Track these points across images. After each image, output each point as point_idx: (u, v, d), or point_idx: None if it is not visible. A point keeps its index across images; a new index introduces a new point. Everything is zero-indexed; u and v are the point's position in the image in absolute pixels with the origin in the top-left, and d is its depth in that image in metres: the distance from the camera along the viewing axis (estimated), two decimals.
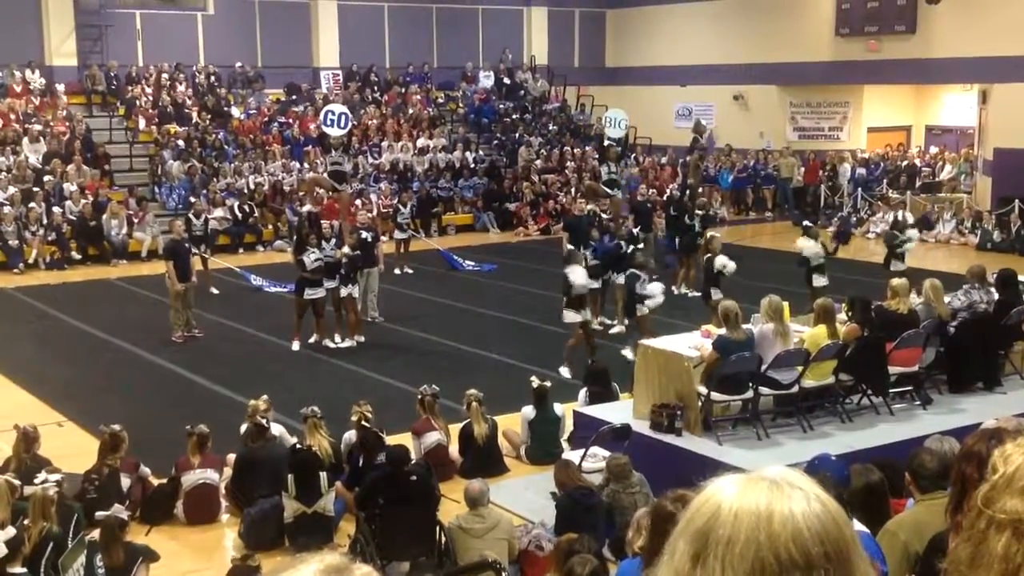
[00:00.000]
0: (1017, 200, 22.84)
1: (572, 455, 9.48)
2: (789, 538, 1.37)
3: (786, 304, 10.10)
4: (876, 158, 27.59)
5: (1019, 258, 20.78)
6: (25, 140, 23.73)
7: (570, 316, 13.29)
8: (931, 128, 29.43)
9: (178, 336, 15.28)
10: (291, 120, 27.20)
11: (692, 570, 1.40)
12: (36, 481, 8.45)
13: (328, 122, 17.42)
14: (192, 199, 22.30)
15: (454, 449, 10.34)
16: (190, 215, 18.61)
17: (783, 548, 1.36)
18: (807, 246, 15.31)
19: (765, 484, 1.42)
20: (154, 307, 16.97)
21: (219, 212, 22.60)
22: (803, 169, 28.00)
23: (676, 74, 31.21)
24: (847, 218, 24.76)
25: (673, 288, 16.84)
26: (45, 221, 21.57)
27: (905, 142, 28.99)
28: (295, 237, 16.47)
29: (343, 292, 14.85)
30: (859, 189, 26.42)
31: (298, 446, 9.24)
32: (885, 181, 26.62)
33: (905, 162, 27.22)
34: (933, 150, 28.13)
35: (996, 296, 11.24)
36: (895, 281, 10.90)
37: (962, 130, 28.26)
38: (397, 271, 19.70)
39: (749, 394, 9.64)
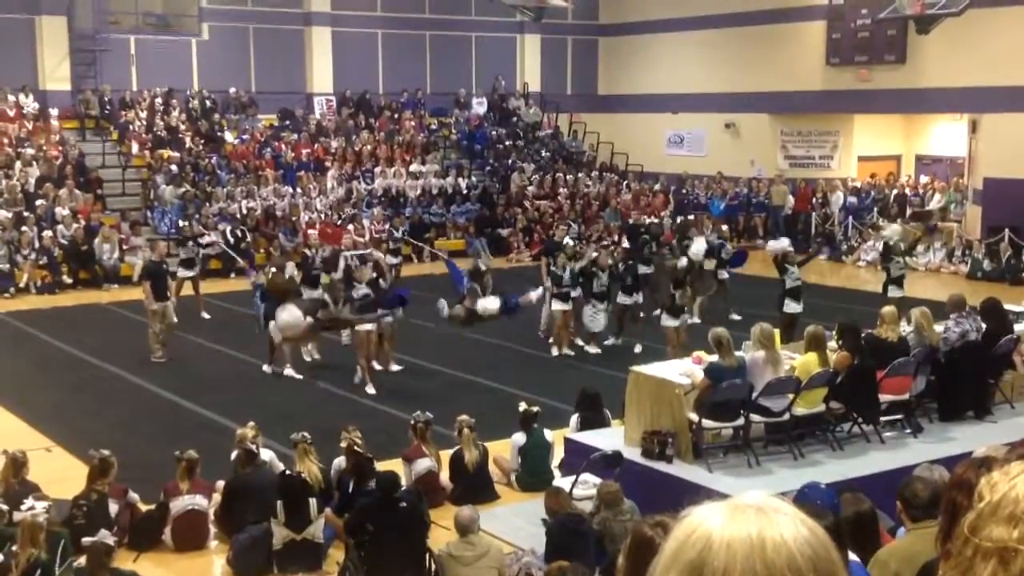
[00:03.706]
0: (1007, 229, 22.95)
1: (563, 482, 9.45)
2: (784, 565, 1.36)
3: (776, 332, 10.11)
4: (866, 187, 27.70)
5: (1009, 287, 20.83)
6: (18, 164, 23.74)
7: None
8: (921, 157, 29.57)
9: (158, 356, 15.45)
10: (284, 145, 27.27)
11: None
12: (23, 507, 8.39)
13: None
14: (184, 223, 22.29)
15: (445, 476, 10.30)
16: (194, 236, 19.47)
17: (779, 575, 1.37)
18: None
19: (752, 511, 1.42)
20: (144, 332, 16.89)
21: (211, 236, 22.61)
22: (793, 197, 28.10)
23: (668, 102, 31.36)
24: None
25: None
26: (36, 245, 21.53)
27: (895, 171, 29.11)
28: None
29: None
30: (850, 217, 26.52)
31: (287, 472, 9.20)
32: (875, 210, 26.73)
33: (895, 191, 27.33)
34: (923, 179, 28.25)
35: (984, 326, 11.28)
36: (885, 309, 10.95)
37: (952, 159, 28.39)
38: None
39: (740, 421, 9.65)
